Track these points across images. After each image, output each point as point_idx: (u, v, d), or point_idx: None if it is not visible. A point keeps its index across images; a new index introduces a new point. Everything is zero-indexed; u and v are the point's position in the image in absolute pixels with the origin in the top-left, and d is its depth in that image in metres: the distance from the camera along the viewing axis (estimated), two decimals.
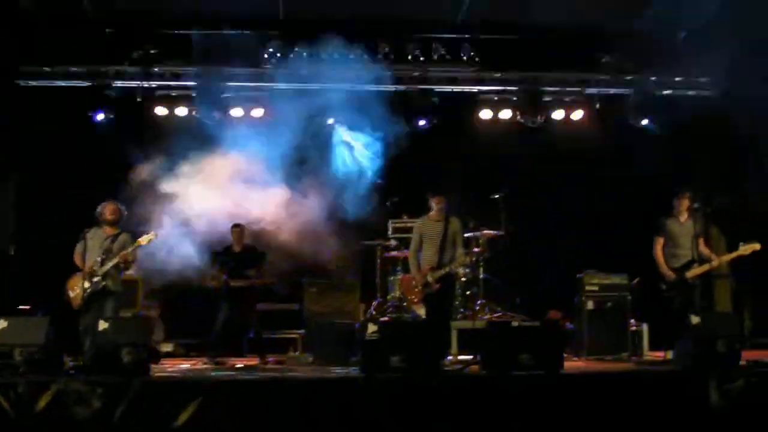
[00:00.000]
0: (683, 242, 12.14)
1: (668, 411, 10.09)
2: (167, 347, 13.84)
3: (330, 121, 15.24)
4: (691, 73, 15.79)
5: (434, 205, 11.99)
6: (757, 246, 12.03)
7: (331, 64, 15.12)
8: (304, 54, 15.18)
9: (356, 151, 14.86)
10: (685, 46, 15.06)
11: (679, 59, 15.12)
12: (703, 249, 12.23)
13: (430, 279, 11.80)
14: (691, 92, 16.04)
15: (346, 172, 14.57)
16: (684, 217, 12.26)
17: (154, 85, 15.37)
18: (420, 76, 15.81)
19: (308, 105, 14.76)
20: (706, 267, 12.08)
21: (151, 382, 9.67)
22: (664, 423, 10.05)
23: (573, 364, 11.91)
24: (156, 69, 15.24)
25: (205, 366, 12.33)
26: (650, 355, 12.92)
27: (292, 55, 15.22)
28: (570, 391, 9.95)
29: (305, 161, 14.46)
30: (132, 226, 12.28)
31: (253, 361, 12.80)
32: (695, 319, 11.09)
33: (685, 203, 12.26)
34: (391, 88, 15.52)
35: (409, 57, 15.55)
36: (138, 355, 10.00)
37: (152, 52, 14.90)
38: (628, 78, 15.97)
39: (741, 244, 12.16)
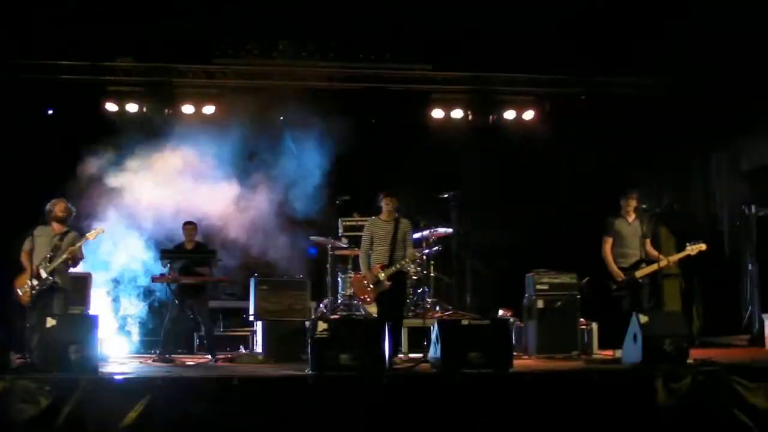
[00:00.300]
0: (631, 242, 12.23)
1: (616, 409, 10.19)
2: (116, 345, 13.72)
3: (281, 118, 15.21)
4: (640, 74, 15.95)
5: (385, 204, 11.98)
6: (703, 246, 12.16)
7: (283, 62, 15.13)
8: (256, 51, 15.17)
9: (306, 149, 14.83)
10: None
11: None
12: (650, 249, 12.34)
13: (381, 277, 11.80)
14: (639, 92, 16.20)
15: (296, 170, 14.53)
16: (631, 217, 12.36)
17: (105, 81, 15.24)
18: (372, 75, 15.82)
19: (259, 102, 14.73)
20: (654, 267, 12.18)
21: (99, 380, 9.57)
22: (612, 421, 10.15)
23: (522, 362, 11.97)
24: (107, 64, 15.13)
25: (155, 363, 12.26)
26: (599, 353, 13.01)
27: (243, 53, 15.20)
28: (519, 389, 10.02)
29: (255, 158, 14.43)
30: (80, 223, 12.20)
31: (204, 359, 12.74)
32: (643, 319, 11.19)
33: (632, 203, 12.34)
34: (343, 86, 15.53)
35: (361, 56, 15.57)
36: (86, 353, 9.91)
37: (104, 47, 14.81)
38: (579, 78, 16.10)
39: (688, 244, 12.28)
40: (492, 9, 14.43)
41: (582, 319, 13.15)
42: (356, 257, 13.08)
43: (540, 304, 12.98)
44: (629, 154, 15.48)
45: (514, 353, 11.81)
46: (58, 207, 11.65)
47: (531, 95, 16.41)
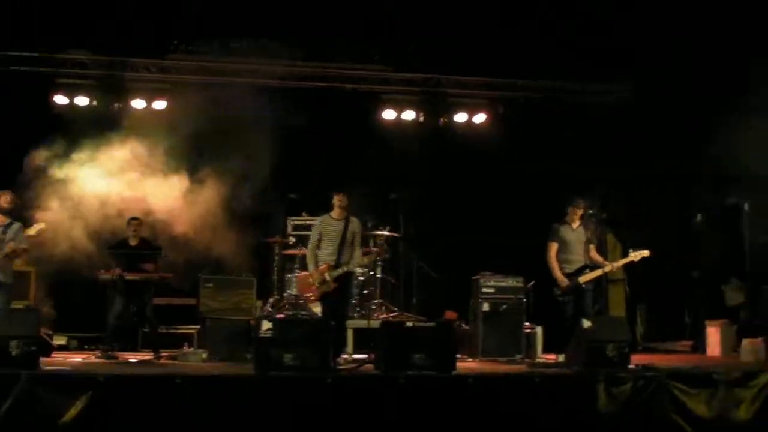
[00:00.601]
0: (575, 248, 12.33)
1: (558, 413, 10.29)
2: (60, 340, 13.63)
3: (233, 115, 15.16)
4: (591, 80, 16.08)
5: (336, 203, 11.96)
6: (646, 253, 12.28)
7: (236, 59, 15.09)
8: (210, 48, 15.13)
9: (257, 147, 14.78)
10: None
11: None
12: (595, 255, 12.46)
13: (327, 277, 11.76)
14: (591, 98, 16.33)
15: (246, 168, 14.47)
16: (576, 223, 12.45)
17: (56, 73, 15.11)
18: (324, 75, 15.83)
19: (211, 98, 14.68)
20: (597, 273, 12.30)
21: (40, 376, 9.49)
22: (554, 424, 10.24)
23: (467, 365, 12.02)
24: (59, 56, 15.01)
25: (97, 360, 12.17)
26: (543, 357, 13.10)
27: (197, 48, 15.14)
28: (462, 392, 10.08)
29: (205, 154, 14.37)
30: (25, 215, 12.09)
31: (148, 356, 12.67)
32: (587, 324, 11.29)
33: (578, 211, 12.44)
34: (296, 84, 15.52)
35: (314, 55, 15.57)
36: (27, 348, 9.81)
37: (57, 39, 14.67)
38: (531, 83, 16.21)
39: (631, 251, 12.41)
40: (446, 11, 14.47)
41: (527, 323, 13.21)
42: (303, 256, 13.04)
43: (486, 307, 13.01)
44: (579, 159, 15.58)
45: (459, 356, 11.89)
46: (3, 198, 11.53)
47: (483, 98, 16.47)
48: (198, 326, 13.39)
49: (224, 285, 12.94)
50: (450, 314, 13.66)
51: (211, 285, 12.90)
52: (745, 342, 13.03)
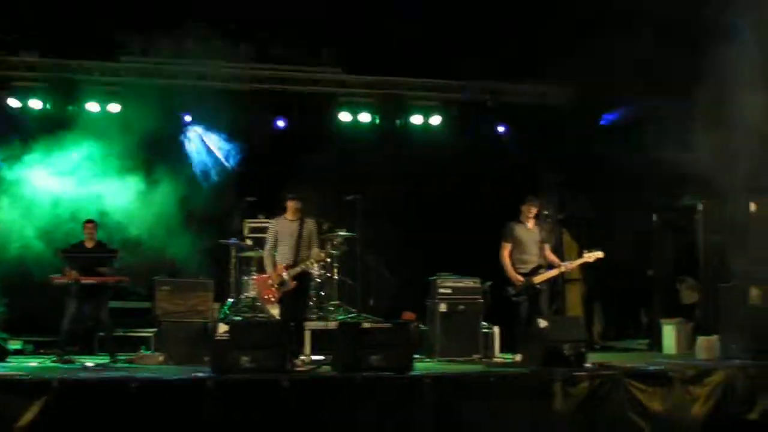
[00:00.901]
0: (530, 248, 12.38)
1: (514, 412, 10.35)
2: (15, 344, 13.48)
3: (187, 117, 15.11)
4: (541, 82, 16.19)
5: (291, 205, 11.95)
6: (599, 254, 12.35)
7: (191, 61, 15.03)
8: (163, 50, 15.05)
9: (212, 150, 14.74)
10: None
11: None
12: (549, 255, 12.52)
13: (286, 277, 11.76)
14: (545, 100, 16.44)
15: (202, 171, 14.43)
16: (530, 222, 12.50)
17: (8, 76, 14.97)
18: (281, 77, 15.80)
19: (165, 100, 14.61)
20: (552, 273, 12.36)
21: None
22: (511, 424, 10.30)
23: (424, 365, 12.03)
24: (11, 59, 14.88)
25: (53, 364, 12.06)
26: (501, 357, 13.15)
27: (150, 50, 15.07)
28: (419, 392, 10.11)
29: (160, 157, 14.29)
30: None
31: (104, 360, 12.57)
32: (543, 323, 11.37)
33: (532, 210, 12.49)
34: (252, 87, 15.48)
35: (270, 57, 15.53)
36: None
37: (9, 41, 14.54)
38: (488, 85, 16.28)
39: (585, 251, 12.49)
40: (402, 14, 14.49)
41: (484, 323, 13.25)
42: (261, 259, 12.99)
43: (443, 307, 13.03)
44: (535, 160, 15.66)
45: (417, 356, 11.92)
46: None
47: (439, 100, 16.52)
48: (155, 329, 13.30)
49: (181, 288, 12.85)
50: (408, 315, 13.69)
51: (167, 288, 12.81)
52: (700, 340, 13.14)
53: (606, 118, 15.99)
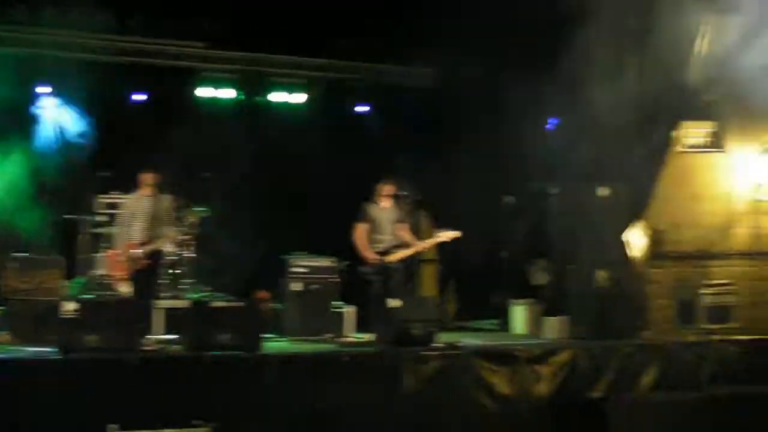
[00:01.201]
0: (384, 228, 12.42)
1: (364, 391, 10.48)
2: None
3: (42, 88, 14.75)
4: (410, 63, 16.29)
5: (146, 181, 11.80)
6: (453, 234, 12.51)
7: (47, 30, 14.66)
8: (19, 17, 14.66)
9: (66, 122, 14.43)
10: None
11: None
12: (404, 234, 12.59)
13: (139, 254, 11.62)
14: (408, 81, 16.55)
15: (53, 143, 14.12)
16: (385, 202, 12.57)
17: None
18: (141, 50, 15.53)
19: (19, 70, 14.23)
20: (406, 252, 12.46)
21: None
22: (360, 402, 10.42)
23: (275, 344, 12.04)
24: None
25: None
26: (353, 337, 13.23)
27: (6, 19, 14.66)
28: (268, 371, 10.15)
29: (12, 128, 13.92)
30: None
31: None
32: (394, 303, 11.50)
33: (385, 188, 12.56)
34: (110, 59, 15.19)
35: (131, 30, 15.27)
36: None
37: None
38: (351, 64, 16.32)
39: (438, 232, 12.65)
40: None
41: (339, 303, 13.31)
42: (113, 235, 12.77)
43: (296, 286, 13.02)
44: (396, 141, 15.77)
45: (270, 335, 11.93)
46: None
47: (303, 78, 16.49)
48: (2, 307, 12.96)
49: (30, 264, 12.50)
50: (263, 294, 13.61)
51: (15, 264, 12.50)
52: (549, 320, 13.49)
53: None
